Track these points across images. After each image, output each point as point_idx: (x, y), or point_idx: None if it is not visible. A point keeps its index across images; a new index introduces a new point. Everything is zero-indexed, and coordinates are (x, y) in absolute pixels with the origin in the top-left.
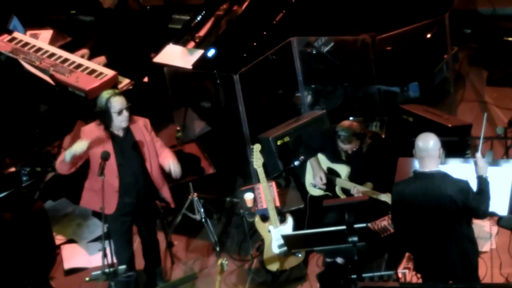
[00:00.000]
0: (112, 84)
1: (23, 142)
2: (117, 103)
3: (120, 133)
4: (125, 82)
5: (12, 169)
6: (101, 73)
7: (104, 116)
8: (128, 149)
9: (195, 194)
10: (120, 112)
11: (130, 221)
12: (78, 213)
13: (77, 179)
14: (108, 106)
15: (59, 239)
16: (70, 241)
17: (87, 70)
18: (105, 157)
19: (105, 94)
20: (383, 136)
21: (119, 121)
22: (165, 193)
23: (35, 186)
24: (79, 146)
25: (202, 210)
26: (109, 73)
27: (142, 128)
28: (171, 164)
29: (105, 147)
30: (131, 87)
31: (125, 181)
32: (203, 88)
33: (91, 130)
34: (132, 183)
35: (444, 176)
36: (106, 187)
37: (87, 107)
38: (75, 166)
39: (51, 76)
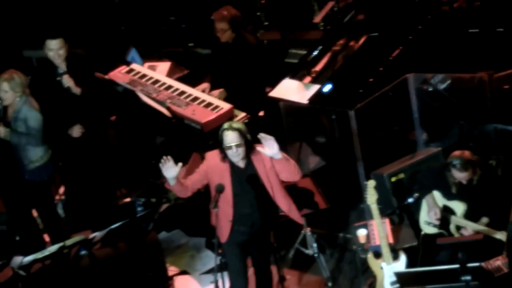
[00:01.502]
0: (228, 117)
1: (139, 173)
2: (228, 137)
3: (241, 164)
4: (241, 115)
5: (128, 200)
6: (217, 106)
7: (220, 147)
8: (246, 180)
9: (308, 228)
10: (229, 147)
11: (244, 252)
12: (191, 245)
13: (191, 211)
14: (221, 139)
15: (172, 270)
16: (183, 272)
17: (203, 103)
18: (219, 190)
19: (224, 125)
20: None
21: (230, 155)
22: (294, 214)
23: (150, 217)
24: (169, 171)
25: (315, 245)
26: (225, 106)
27: (263, 157)
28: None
29: (223, 176)
30: (246, 121)
31: (240, 211)
32: (318, 123)
33: (213, 156)
34: (248, 213)
35: None
36: (221, 215)
37: (203, 140)
38: (191, 190)
39: (168, 108)
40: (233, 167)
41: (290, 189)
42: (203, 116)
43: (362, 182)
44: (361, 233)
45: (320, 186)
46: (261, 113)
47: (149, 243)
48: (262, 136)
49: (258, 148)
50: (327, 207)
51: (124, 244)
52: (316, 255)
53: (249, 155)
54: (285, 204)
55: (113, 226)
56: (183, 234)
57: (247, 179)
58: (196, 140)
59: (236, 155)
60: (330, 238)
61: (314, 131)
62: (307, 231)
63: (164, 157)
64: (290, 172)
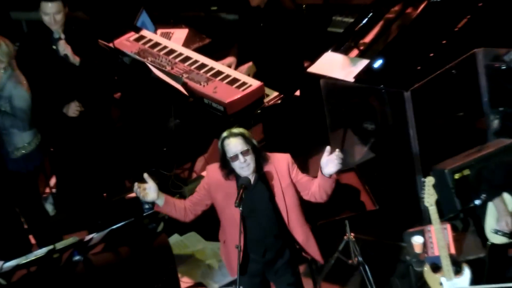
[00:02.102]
0: (257, 96)
1: (147, 163)
2: (230, 146)
3: (250, 179)
4: (272, 95)
5: (132, 195)
6: (244, 84)
7: (223, 160)
8: (257, 198)
9: (352, 234)
10: (235, 157)
11: (261, 281)
12: (209, 251)
13: (210, 210)
14: (223, 149)
15: (185, 281)
16: (198, 284)
17: (227, 79)
18: (244, 183)
19: (222, 134)
20: None
21: (238, 169)
22: (311, 248)
23: (159, 216)
24: (148, 195)
25: (359, 253)
26: (254, 83)
27: (278, 170)
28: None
29: (229, 194)
30: (279, 102)
31: (250, 237)
32: (366, 106)
33: (216, 171)
34: (258, 239)
35: None
36: (229, 243)
37: (226, 124)
38: (193, 213)
39: (184, 85)
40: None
41: None
42: (227, 95)
43: (418, 179)
44: (417, 241)
45: (367, 182)
46: (297, 93)
47: (158, 248)
48: (332, 152)
49: (272, 157)
50: (375, 209)
51: (128, 249)
52: (361, 266)
53: (260, 167)
54: (300, 233)
55: (114, 227)
56: (200, 238)
57: (257, 197)
58: (217, 124)
59: (246, 165)
60: (378, 246)
61: (361, 115)
62: (351, 237)
63: (136, 184)
64: (325, 193)
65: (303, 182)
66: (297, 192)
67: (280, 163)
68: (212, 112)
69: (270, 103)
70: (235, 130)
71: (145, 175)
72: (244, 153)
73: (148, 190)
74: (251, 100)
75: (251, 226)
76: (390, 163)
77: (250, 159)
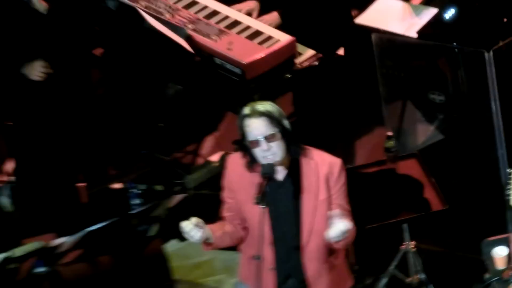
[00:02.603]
0: (286, 55)
1: (138, 143)
2: (251, 128)
3: (278, 175)
4: (307, 54)
5: (117, 186)
6: (269, 38)
7: (243, 144)
8: (284, 202)
9: (412, 243)
10: (255, 143)
11: None
12: (220, 264)
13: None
14: (243, 131)
15: None
16: None
17: (247, 31)
18: (267, 173)
19: (244, 110)
20: None
21: (259, 157)
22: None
23: (152, 215)
24: (195, 235)
25: (421, 269)
26: (283, 38)
27: (320, 175)
28: (337, 223)
29: (250, 192)
30: (316, 63)
31: (280, 253)
32: (433, 70)
33: (236, 162)
34: (283, 259)
35: None
36: (256, 263)
37: (244, 91)
38: (239, 224)
39: (189, 38)
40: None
41: (385, 176)
42: (246, 53)
43: (503, 170)
44: (499, 253)
45: (433, 174)
46: (340, 52)
47: (151, 258)
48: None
49: (316, 155)
50: (444, 209)
51: (110, 259)
52: (423, 286)
53: (293, 160)
54: (313, 266)
55: (92, 228)
56: None
57: (285, 200)
58: (233, 92)
59: (270, 154)
60: (447, 260)
61: (427, 83)
62: (410, 246)
63: (184, 223)
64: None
65: (335, 203)
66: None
67: (326, 167)
68: (225, 76)
69: (303, 65)
70: (260, 106)
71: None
72: (268, 138)
73: (196, 230)
74: (278, 61)
75: (277, 236)
76: (465, 147)
77: (276, 146)
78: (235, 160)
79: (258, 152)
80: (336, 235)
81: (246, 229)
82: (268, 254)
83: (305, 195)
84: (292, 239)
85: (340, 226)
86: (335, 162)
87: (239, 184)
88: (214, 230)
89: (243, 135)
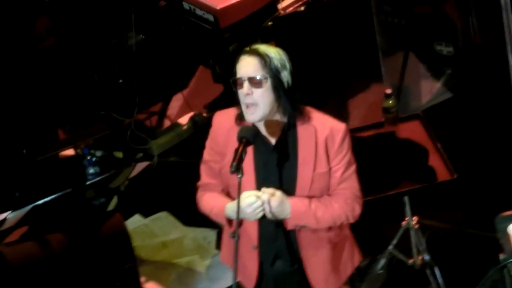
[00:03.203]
0: (266, 0)
1: (92, 102)
2: (240, 64)
3: (271, 138)
4: None
5: (70, 152)
6: None
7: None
8: (274, 171)
9: (414, 219)
10: (238, 83)
11: None
12: (191, 243)
13: (189, 178)
14: (235, 70)
15: None
16: None
17: None
18: (245, 137)
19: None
20: None
21: (241, 103)
22: (314, 273)
23: (111, 186)
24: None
25: (425, 249)
26: None
27: (319, 142)
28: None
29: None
30: (302, 9)
31: (263, 231)
32: (440, 17)
33: (223, 117)
34: (269, 235)
35: None
36: (241, 240)
37: (218, 43)
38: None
39: None
40: (258, 143)
41: (383, 139)
42: None
43: None
44: None
45: (439, 138)
46: None
47: (110, 236)
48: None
49: (317, 118)
50: (452, 179)
51: (62, 237)
52: (426, 268)
53: (290, 126)
54: (308, 246)
55: (40, 202)
56: (175, 222)
57: (271, 168)
58: (204, 43)
59: (250, 101)
60: (455, 238)
61: (431, 32)
62: (412, 223)
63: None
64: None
65: (336, 176)
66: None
67: (326, 133)
68: (195, 24)
69: (287, 10)
70: (262, 47)
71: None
72: (253, 81)
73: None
74: (258, 6)
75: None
76: (477, 108)
77: (260, 94)
78: (224, 116)
79: (240, 95)
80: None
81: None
82: (251, 230)
83: (300, 166)
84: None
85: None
86: (338, 128)
87: (227, 143)
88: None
89: (234, 73)
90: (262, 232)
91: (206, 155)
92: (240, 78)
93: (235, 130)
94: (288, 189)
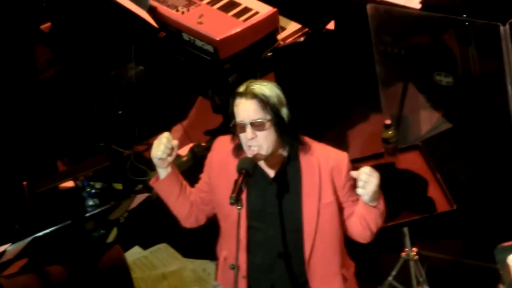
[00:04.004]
0: (266, 31)
1: (93, 134)
2: (239, 109)
3: (269, 171)
4: (291, 29)
5: (69, 184)
6: (246, 10)
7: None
8: (270, 201)
9: (414, 249)
10: (240, 128)
11: None
12: (190, 275)
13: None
14: (232, 111)
15: None
16: None
17: (220, 2)
18: (244, 167)
19: (241, 86)
20: None
21: (243, 144)
22: None
23: (110, 218)
24: (157, 147)
25: (425, 280)
26: (262, 10)
27: (322, 172)
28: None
29: (229, 183)
30: (301, 39)
31: (254, 260)
32: (439, 47)
33: (223, 145)
34: (264, 266)
35: None
36: (231, 261)
37: (218, 74)
38: (195, 207)
39: (152, 10)
40: (256, 175)
41: (382, 171)
42: (219, 27)
43: None
44: None
45: (439, 169)
46: (330, 26)
47: (109, 268)
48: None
49: (318, 149)
50: (452, 210)
51: (61, 269)
52: None
53: (291, 158)
54: (321, 278)
55: (39, 234)
56: (175, 254)
57: (270, 200)
58: (204, 74)
59: (255, 145)
60: (455, 269)
61: (431, 62)
62: (412, 254)
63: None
64: (368, 228)
65: (349, 201)
66: (341, 215)
67: (330, 164)
68: (195, 55)
69: (287, 41)
70: (257, 86)
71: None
72: (255, 125)
73: (172, 148)
74: (258, 37)
75: (258, 241)
76: (476, 138)
77: (263, 137)
78: (224, 142)
79: (242, 138)
80: (363, 184)
81: (197, 219)
82: (242, 260)
83: (305, 198)
84: (279, 246)
85: (363, 169)
86: (342, 157)
87: (219, 169)
88: (176, 173)
89: (232, 115)
90: (253, 261)
91: (203, 173)
92: (241, 122)
93: (230, 162)
94: (294, 222)
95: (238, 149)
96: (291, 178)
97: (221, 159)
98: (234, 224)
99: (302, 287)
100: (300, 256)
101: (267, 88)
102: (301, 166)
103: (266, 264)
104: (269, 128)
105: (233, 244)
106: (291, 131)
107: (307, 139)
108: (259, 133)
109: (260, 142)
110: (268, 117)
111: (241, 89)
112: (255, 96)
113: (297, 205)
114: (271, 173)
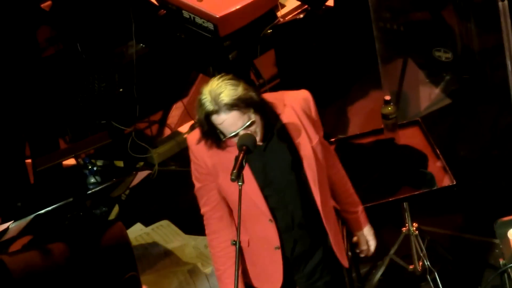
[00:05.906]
0: (266, 8)
1: (93, 112)
2: (225, 125)
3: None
4: (291, 5)
5: (71, 161)
6: None
7: (207, 133)
8: (273, 164)
9: (415, 225)
10: (235, 136)
11: None
12: (192, 251)
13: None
14: (211, 124)
15: None
16: None
17: None
18: (245, 143)
19: (206, 103)
20: None
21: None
22: (336, 242)
23: (112, 195)
24: None
25: (425, 255)
26: None
27: (299, 116)
28: (366, 234)
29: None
30: (301, 16)
31: (280, 225)
32: (438, 23)
33: (201, 145)
34: (286, 226)
35: None
36: (257, 245)
37: (218, 51)
38: (222, 218)
39: None
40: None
41: (383, 147)
42: (219, 4)
43: None
44: None
45: (439, 145)
46: (329, 2)
47: (111, 244)
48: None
49: (283, 97)
50: (452, 185)
51: (63, 246)
52: (427, 274)
53: (271, 119)
54: (331, 217)
55: (41, 212)
56: (176, 230)
57: (272, 163)
58: (204, 51)
59: (258, 137)
60: (455, 244)
61: (430, 38)
62: (413, 229)
63: None
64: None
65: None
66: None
67: (300, 103)
68: (195, 32)
69: (287, 18)
70: (224, 97)
71: None
72: (247, 127)
73: None
74: (258, 14)
75: (275, 206)
76: (475, 114)
77: (255, 127)
78: (195, 139)
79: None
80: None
81: (223, 220)
82: (268, 232)
83: (298, 146)
84: (293, 201)
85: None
86: (305, 95)
87: (216, 166)
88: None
89: (213, 131)
90: (282, 228)
91: (196, 182)
92: (234, 134)
93: (219, 154)
94: (297, 173)
95: (219, 144)
96: (280, 135)
97: (208, 156)
98: (251, 202)
99: (319, 232)
100: (312, 202)
101: (230, 90)
102: (282, 120)
103: (287, 224)
104: (256, 118)
105: (253, 225)
106: (264, 104)
107: (267, 96)
108: (251, 128)
109: (256, 131)
110: (251, 112)
111: (211, 107)
112: (231, 106)
113: (294, 156)
114: (259, 141)
